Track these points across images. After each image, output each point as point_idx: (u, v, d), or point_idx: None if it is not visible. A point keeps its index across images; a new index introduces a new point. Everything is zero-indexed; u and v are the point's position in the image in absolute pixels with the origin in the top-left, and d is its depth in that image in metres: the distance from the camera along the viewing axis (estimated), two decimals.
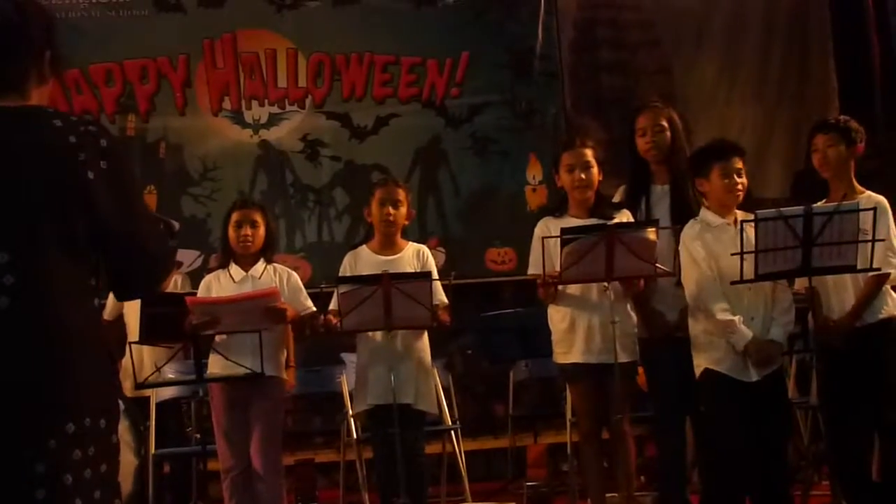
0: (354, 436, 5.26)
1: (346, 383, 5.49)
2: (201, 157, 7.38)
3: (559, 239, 4.12)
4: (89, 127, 2.05)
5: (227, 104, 7.45)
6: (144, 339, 4.86)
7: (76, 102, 7.32)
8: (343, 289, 4.41)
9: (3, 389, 1.93)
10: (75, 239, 1.99)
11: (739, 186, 4.19)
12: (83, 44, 7.30)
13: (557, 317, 4.45)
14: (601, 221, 4.29)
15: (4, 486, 1.93)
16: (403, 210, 4.70)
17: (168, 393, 5.32)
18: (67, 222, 1.99)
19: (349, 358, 5.42)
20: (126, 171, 2.10)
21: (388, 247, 4.72)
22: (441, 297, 4.60)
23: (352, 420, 5.24)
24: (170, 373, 5.04)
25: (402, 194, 4.70)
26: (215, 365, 4.64)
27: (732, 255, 3.94)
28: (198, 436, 5.18)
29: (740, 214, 4.20)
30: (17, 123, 2.02)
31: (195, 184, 7.33)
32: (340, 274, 4.68)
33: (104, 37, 7.37)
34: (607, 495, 4.45)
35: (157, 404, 5.22)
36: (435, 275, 4.60)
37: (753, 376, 4.09)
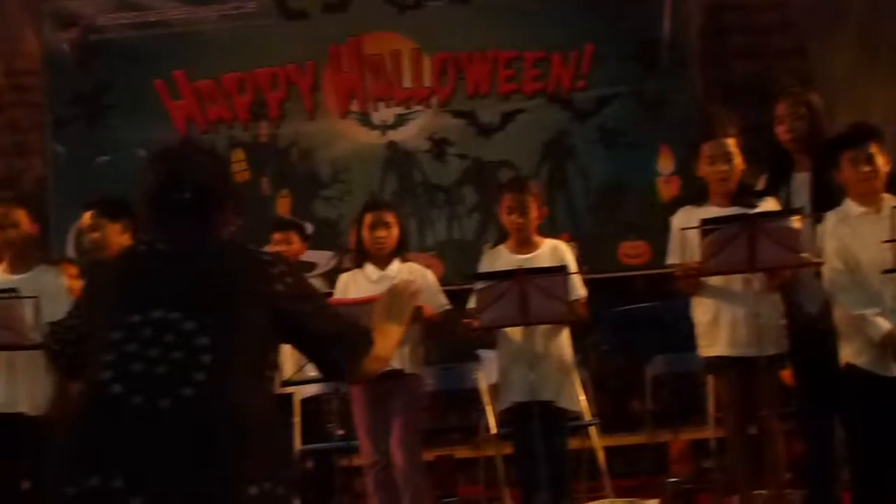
0: (493, 432, 5.27)
1: (482, 380, 5.51)
2: (331, 160, 7.51)
3: (699, 229, 4.05)
4: (280, 256, 2.49)
5: (354, 107, 7.56)
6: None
7: (210, 112, 7.54)
8: (479, 285, 4.42)
9: (197, 454, 2.10)
10: (259, 334, 2.27)
11: (872, 173, 4.03)
12: (215, 55, 7.53)
13: (700, 309, 4.37)
14: (743, 210, 4.19)
15: None
16: (534, 213, 4.69)
17: (311, 390, 5.40)
18: (254, 318, 2.27)
19: (486, 354, 5.43)
20: (307, 284, 2.44)
21: (525, 246, 4.72)
22: (580, 290, 4.58)
23: (490, 416, 5.25)
24: (312, 370, 5.10)
25: (529, 199, 4.68)
26: None
27: (884, 242, 3.81)
28: (341, 432, 5.26)
29: (889, 199, 4.05)
30: (216, 245, 2.40)
31: (326, 186, 7.47)
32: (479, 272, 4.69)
33: (235, 47, 7.57)
34: (754, 492, 4.35)
35: (301, 401, 5.31)
36: (573, 268, 4.56)
37: (894, 371, 3.95)
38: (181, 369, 2.16)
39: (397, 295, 2.64)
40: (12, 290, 4.24)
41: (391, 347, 2.56)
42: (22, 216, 4.57)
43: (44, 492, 4.25)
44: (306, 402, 5.46)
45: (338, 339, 2.41)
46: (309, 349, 2.42)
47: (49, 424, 4.38)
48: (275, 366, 2.36)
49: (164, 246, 2.35)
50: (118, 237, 4.50)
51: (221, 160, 2.56)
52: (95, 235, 4.54)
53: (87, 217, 4.61)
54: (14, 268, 4.58)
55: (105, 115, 7.66)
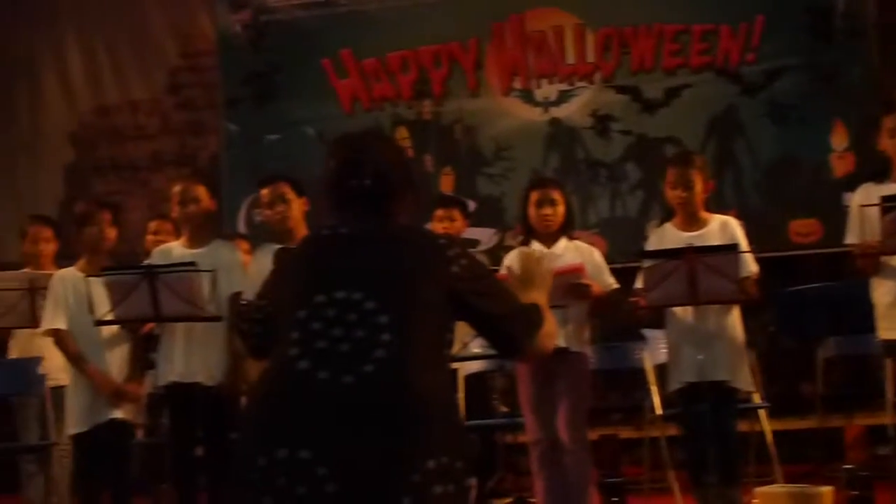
0: (658, 412, 5.20)
1: (647, 360, 5.44)
2: (494, 137, 7.53)
3: (879, 206, 3.89)
4: (454, 238, 2.57)
5: (516, 84, 7.55)
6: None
7: (375, 90, 7.65)
8: (647, 263, 4.36)
9: (379, 428, 2.18)
10: (436, 314, 2.33)
11: None
12: (381, 34, 7.63)
13: (881, 290, 4.21)
14: None
15: None
16: (699, 187, 4.58)
17: (475, 367, 5.44)
18: (431, 298, 2.33)
19: (651, 334, 5.36)
20: (480, 266, 2.50)
21: (692, 223, 4.62)
22: (751, 267, 4.46)
23: (655, 397, 5.19)
24: (476, 347, 5.15)
25: (693, 173, 4.58)
26: None
27: None
28: (504, 409, 5.28)
29: None
30: (396, 229, 2.48)
31: (489, 164, 7.49)
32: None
33: (400, 26, 7.66)
34: None
35: (465, 377, 5.36)
36: (744, 245, 4.45)
37: None
38: (363, 347, 2.24)
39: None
40: (191, 263, 4.40)
41: (555, 327, 2.58)
42: (202, 192, 4.72)
43: (221, 460, 4.46)
44: (470, 378, 5.50)
45: (512, 316, 2.44)
46: (484, 328, 2.46)
47: (223, 395, 4.54)
48: (450, 345, 2.40)
49: (346, 230, 2.45)
50: (300, 212, 4.62)
51: (401, 150, 2.65)
52: (281, 208, 4.64)
53: (272, 191, 4.69)
54: (192, 242, 4.74)
55: (275, 94, 7.87)
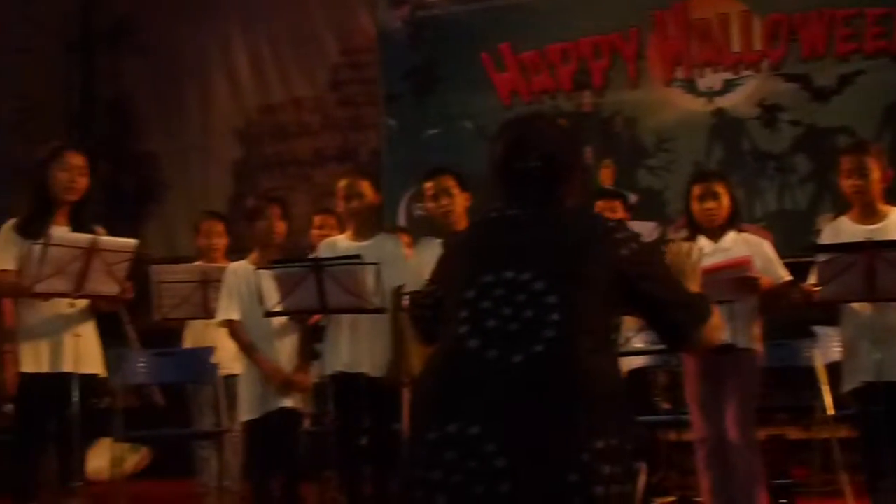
0: (829, 412, 5.02)
1: (818, 358, 5.26)
2: (655, 128, 7.42)
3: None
4: (623, 222, 2.51)
5: (679, 73, 7.42)
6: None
7: (535, 83, 7.64)
8: (822, 257, 4.21)
9: (548, 406, 2.19)
10: (603, 296, 2.30)
11: None
12: (539, 26, 7.60)
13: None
14: None
15: (547, 490, 2.16)
16: (875, 175, 4.39)
17: (637, 362, 5.37)
18: (599, 280, 2.31)
19: (822, 331, 5.18)
20: (651, 251, 2.46)
21: (870, 215, 4.43)
22: None
23: (826, 397, 5.01)
24: (638, 342, 5.08)
25: (868, 161, 4.39)
26: None
27: None
28: (667, 406, 5.19)
29: None
30: (563, 211, 2.46)
31: (650, 156, 7.39)
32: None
33: (558, 17, 7.61)
34: None
35: (627, 372, 5.29)
36: None
37: None
38: (532, 327, 2.24)
39: (677, 258, 2.61)
40: (356, 256, 4.47)
41: (719, 319, 2.51)
42: (366, 187, 4.79)
43: (385, 450, 4.53)
44: (632, 374, 5.43)
45: (681, 305, 2.39)
46: (652, 315, 2.41)
47: (387, 386, 4.60)
48: (618, 329, 2.37)
49: (514, 212, 2.45)
50: (463, 207, 4.66)
51: (571, 132, 2.59)
52: (445, 202, 4.69)
53: (436, 184, 4.74)
54: (358, 236, 4.82)
55: (434, 88, 7.94)
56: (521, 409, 2.18)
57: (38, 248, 4.12)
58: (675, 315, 2.38)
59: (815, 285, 4.30)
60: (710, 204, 4.63)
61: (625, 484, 2.20)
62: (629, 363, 5.35)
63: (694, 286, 2.54)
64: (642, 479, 2.37)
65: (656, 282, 2.37)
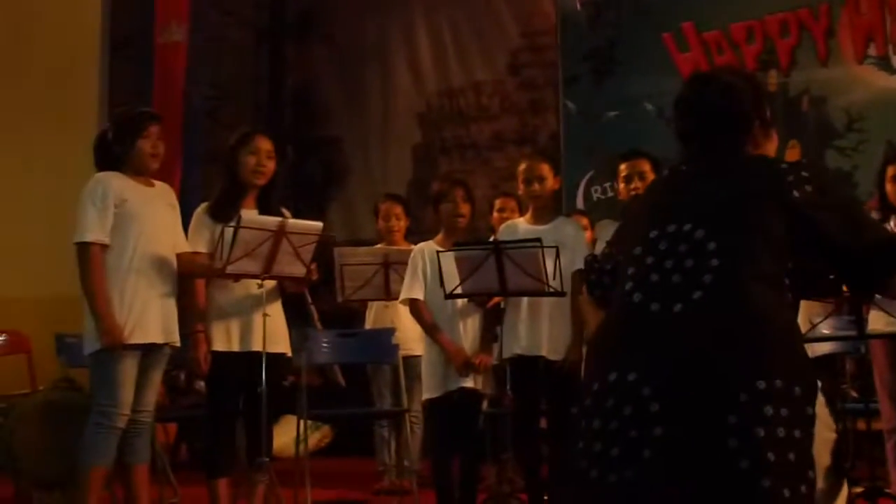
0: None
1: None
2: (845, 107, 7.13)
3: None
4: (801, 163, 2.46)
5: (872, 51, 7.10)
6: (797, 294, 4.79)
7: (718, 63, 7.43)
8: None
9: (705, 348, 2.16)
10: (771, 240, 2.26)
11: None
12: (724, 5, 7.44)
13: None
14: None
15: (702, 433, 2.12)
16: None
17: (825, 348, 5.20)
18: (765, 225, 2.27)
19: None
20: (832, 192, 2.35)
21: None
22: None
23: None
24: (825, 328, 4.92)
25: None
26: (878, 321, 4.44)
27: None
28: (854, 393, 5.01)
29: None
30: (734, 160, 2.44)
31: (840, 136, 7.11)
32: None
33: None
34: None
35: (814, 360, 5.13)
36: None
37: None
38: (692, 275, 2.24)
39: None
40: (537, 239, 4.48)
41: None
42: (546, 170, 4.80)
43: (563, 433, 4.53)
44: (819, 360, 5.25)
45: (868, 247, 2.28)
46: (833, 259, 2.32)
47: (566, 369, 4.60)
48: (791, 274, 2.27)
49: (686, 167, 2.48)
50: None
51: (740, 86, 2.50)
52: (638, 185, 4.79)
53: (630, 167, 4.85)
54: (537, 219, 4.84)
55: (614, 70, 7.85)
56: (678, 354, 2.17)
57: (229, 230, 4.28)
58: (861, 257, 2.28)
59: None
60: None
61: (793, 428, 2.12)
62: (815, 349, 5.18)
63: None
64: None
65: (838, 223, 2.28)
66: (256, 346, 4.45)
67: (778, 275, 2.24)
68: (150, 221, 4.32)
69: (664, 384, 2.16)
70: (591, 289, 2.65)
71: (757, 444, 2.07)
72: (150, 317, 4.24)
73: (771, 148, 2.50)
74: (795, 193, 2.28)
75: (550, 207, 4.91)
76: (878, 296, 2.60)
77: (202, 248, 4.51)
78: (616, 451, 2.18)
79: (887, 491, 4.52)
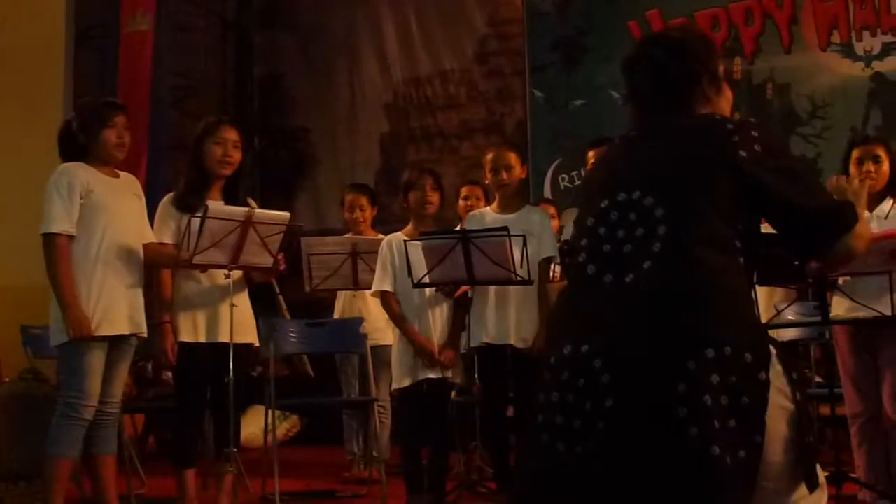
0: None
1: None
2: (809, 95, 7.20)
3: None
4: (749, 122, 2.34)
5: (835, 38, 7.17)
6: (763, 279, 4.82)
7: None
8: None
9: (654, 318, 2.16)
10: (719, 202, 2.23)
11: None
12: None
13: None
14: None
15: (651, 403, 2.13)
16: None
17: (790, 334, 5.25)
18: (713, 187, 2.24)
19: None
20: (780, 153, 2.31)
21: None
22: None
23: None
24: (790, 314, 4.97)
25: None
26: (840, 306, 4.49)
27: None
28: (818, 379, 5.06)
29: None
30: (682, 118, 2.39)
31: (804, 123, 7.17)
32: None
33: None
34: None
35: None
36: None
37: None
38: (643, 244, 2.23)
39: (838, 192, 2.47)
40: (504, 228, 4.49)
41: (869, 230, 2.38)
42: (513, 159, 4.81)
43: (526, 418, 4.55)
44: (784, 346, 5.30)
45: (816, 211, 2.25)
46: (781, 222, 2.28)
47: (534, 357, 4.61)
48: (746, 235, 2.24)
49: (634, 132, 2.46)
50: None
51: (688, 42, 2.46)
52: None
53: (599, 153, 4.73)
54: (504, 208, 4.85)
55: (581, 59, 7.88)
56: (627, 324, 2.18)
57: (195, 221, 4.26)
58: (806, 220, 2.25)
59: None
60: (870, 167, 4.49)
61: (741, 394, 2.10)
62: (780, 335, 5.24)
63: (861, 214, 2.35)
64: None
65: (783, 186, 2.23)
66: (224, 337, 4.43)
67: (728, 238, 2.21)
68: (116, 212, 4.29)
69: (615, 355, 2.16)
70: (565, 272, 2.67)
71: (705, 412, 2.07)
72: (117, 308, 4.22)
73: (724, 103, 2.45)
74: (742, 153, 2.24)
75: (517, 196, 4.92)
76: (818, 262, 2.56)
77: (168, 239, 4.49)
78: (577, 423, 2.19)
79: (852, 475, 4.57)
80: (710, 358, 2.09)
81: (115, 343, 4.25)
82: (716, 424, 2.07)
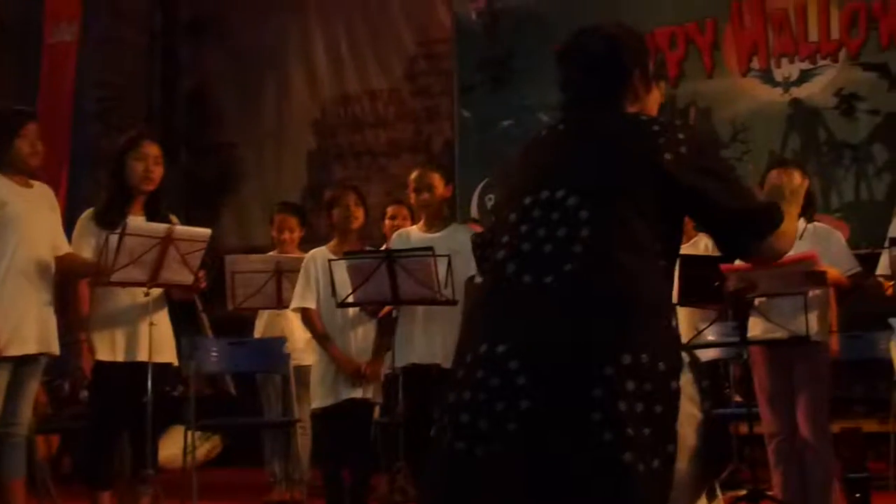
0: None
1: (894, 350, 5.18)
2: (730, 119, 7.34)
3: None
4: (675, 124, 2.36)
5: (755, 64, 7.32)
6: (683, 300, 4.90)
7: None
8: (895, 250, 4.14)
9: (573, 321, 2.14)
10: (644, 205, 2.21)
11: None
12: (614, 16, 7.43)
13: None
14: None
15: (567, 405, 2.11)
16: None
17: (709, 354, 5.33)
18: (637, 189, 2.22)
19: None
20: (705, 154, 2.31)
21: None
22: None
23: None
24: (710, 335, 5.04)
25: None
26: (756, 327, 4.57)
27: None
28: (738, 398, 5.14)
29: None
30: (609, 116, 2.37)
31: (725, 146, 7.29)
32: (890, 236, 4.40)
33: (635, 8, 7.49)
34: None
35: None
36: None
37: None
38: (564, 245, 2.20)
39: (776, 191, 2.49)
40: (429, 248, 4.50)
41: (794, 229, 2.41)
42: (436, 179, 4.82)
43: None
44: (703, 365, 5.38)
45: (740, 211, 2.26)
46: (707, 222, 2.32)
47: None
48: (668, 239, 2.26)
49: (562, 126, 2.42)
50: None
51: (623, 35, 2.44)
52: None
53: None
54: (429, 227, 4.85)
55: (509, 80, 7.93)
56: (545, 326, 2.14)
57: (114, 237, 4.21)
58: (732, 223, 2.26)
59: (889, 278, 4.23)
60: (794, 175, 4.57)
61: (654, 403, 2.10)
62: (701, 355, 5.29)
63: (793, 213, 2.38)
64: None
65: (709, 188, 2.23)
66: (142, 356, 4.37)
67: (651, 241, 2.21)
68: (30, 226, 4.21)
69: (531, 357, 2.14)
70: (479, 265, 2.63)
71: (619, 419, 2.07)
72: (27, 327, 4.13)
73: (653, 102, 2.44)
74: (667, 156, 2.23)
75: (442, 215, 4.94)
76: (744, 261, 2.60)
77: (87, 256, 4.42)
78: (484, 423, 2.14)
79: (769, 494, 4.64)
80: (626, 364, 2.09)
81: (23, 362, 4.15)
82: (630, 431, 2.07)
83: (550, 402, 2.11)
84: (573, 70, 2.43)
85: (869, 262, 4.60)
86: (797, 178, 4.38)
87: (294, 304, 4.84)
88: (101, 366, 4.37)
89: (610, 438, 2.07)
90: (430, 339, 4.68)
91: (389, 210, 6.07)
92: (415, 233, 4.90)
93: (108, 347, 4.39)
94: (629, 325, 2.13)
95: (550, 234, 2.22)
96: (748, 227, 2.28)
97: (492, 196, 7.82)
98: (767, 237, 2.28)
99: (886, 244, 4.30)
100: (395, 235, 5.06)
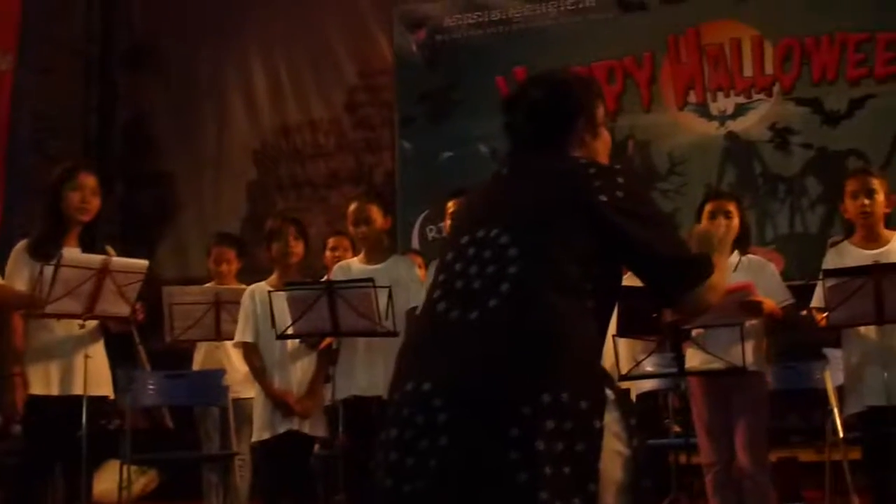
0: (840, 435, 5.01)
1: (828, 380, 5.24)
2: (668, 152, 7.44)
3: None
4: (614, 168, 2.37)
5: (691, 98, 7.44)
6: (622, 331, 4.94)
7: None
8: (830, 282, 4.22)
9: (493, 359, 2.16)
10: (575, 245, 2.24)
11: None
12: (554, 51, 7.62)
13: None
14: None
15: (483, 445, 2.11)
16: (880, 198, 4.43)
17: (648, 385, 5.37)
18: (569, 230, 2.26)
19: (832, 354, 5.17)
20: (642, 201, 2.34)
21: (872, 240, 4.48)
22: None
23: (836, 419, 5.00)
24: (649, 366, 5.08)
25: (875, 183, 4.44)
26: (694, 358, 4.62)
27: None
28: (677, 429, 5.18)
29: None
30: (550, 160, 2.41)
31: (662, 179, 7.39)
32: (824, 268, 4.48)
33: (573, 42, 7.65)
34: None
35: (636, 396, 5.29)
36: None
37: None
38: (492, 282, 2.22)
39: (705, 238, 2.50)
40: (369, 279, 4.49)
41: (724, 281, 2.42)
42: (375, 211, 4.83)
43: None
44: (642, 397, 5.43)
45: (671, 261, 2.28)
46: (638, 268, 2.31)
47: None
48: (599, 280, 2.25)
49: (505, 170, 2.46)
50: None
51: (568, 83, 2.49)
52: None
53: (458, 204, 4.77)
54: (370, 258, 4.85)
55: (450, 112, 7.97)
56: (466, 363, 2.15)
57: (49, 269, 4.15)
58: (664, 272, 2.29)
59: (823, 310, 4.31)
60: (721, 221, 4.64)
61: (575, 441, 2.09)
62: (639, 386, 5.35)
63: (722, 264, 2.40)
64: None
65: (642, 234, 2.26)
66: (77, 390, 4.31)
67: (579, 282, 2.22)
68: None
69: (452, 394, 2.15)
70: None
71: (535, 458, 2.06)
72: None
73: (601, 147, 2.46)
74: (602, 198, 2.24)
75: (383, 247, 4.94)
76: (672, 310, 2.60)
77: (21, 288, 4.35)
78: (411, 461, 2.15)
79: None
80: (545, 403, 2.09)
81: None
82: (547, 471, 2.07)
83: (468, 441, 2.12)
84: (517, 117, 2.47)
85: (803, 293, 4.68)
86: (724, 223, 4.45)
87: (235, 340, 4.82)
88: (35, 400, 4.30)
89: (525, 478, 2.07)
90: (371, 371, 4.66)
91: (331, 241, 6.05)
92: (356, 264, 4.90)
93: (43, 381, 4.32)
94: (550, 363, 2.13)
95: (481, 271, 2.24)
96: (677, 277, 2.30)
97: (433, 227, 7.85)
98: (696, 289, 2.31)
99: (821, 276, 4.37)
100: (336, 267, 5.05)
